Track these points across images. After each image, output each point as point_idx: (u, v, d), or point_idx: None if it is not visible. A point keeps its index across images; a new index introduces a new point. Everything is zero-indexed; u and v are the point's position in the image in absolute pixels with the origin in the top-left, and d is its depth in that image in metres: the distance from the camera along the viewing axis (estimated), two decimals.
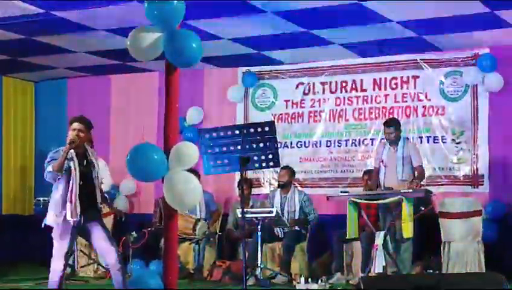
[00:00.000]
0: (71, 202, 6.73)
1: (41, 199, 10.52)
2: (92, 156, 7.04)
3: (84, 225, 6.88)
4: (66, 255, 6.94)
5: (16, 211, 12.64)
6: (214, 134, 6.32)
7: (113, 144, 12.39)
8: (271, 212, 9.63)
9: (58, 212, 6.80)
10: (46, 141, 12.92)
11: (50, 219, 6.90)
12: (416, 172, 9.31)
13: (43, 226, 6.94)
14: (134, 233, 10.30)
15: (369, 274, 8.49)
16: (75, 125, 6.98)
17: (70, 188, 6.75)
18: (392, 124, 9.50)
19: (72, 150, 6.81)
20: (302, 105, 11.59)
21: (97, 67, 12.11)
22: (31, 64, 11.89)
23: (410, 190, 8.74)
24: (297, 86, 11.64)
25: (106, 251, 6.91)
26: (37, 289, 9.36)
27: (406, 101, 10.95)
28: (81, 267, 10.80)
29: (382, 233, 8.73)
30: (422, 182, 9.42)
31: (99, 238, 6.91)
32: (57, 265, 6.82)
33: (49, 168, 6.76)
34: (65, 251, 6.86)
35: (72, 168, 6.77)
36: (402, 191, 8.72)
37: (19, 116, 13.01)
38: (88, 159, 6.99)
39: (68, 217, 6.73)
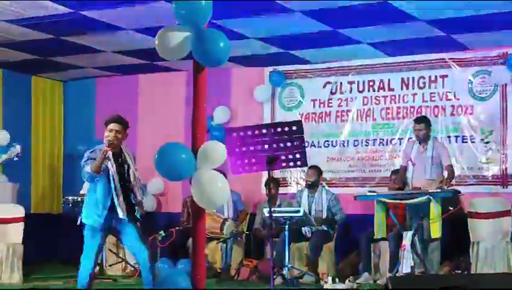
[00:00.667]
0: (118, 200, 6.79)
1: (70, 197, 10.59)
2: (127, 156, 7.06)
3: (116, 224, 6.91)
4: (97, 253, 6.99)
5: (44, 210, 12.76)
6: (241, 133, 6.31)
7: (141, 143, 12.43)
8: (298, 211, 9.63)
9: (100, 212, 6.83)
10: (74, 140, 13.07)
11: (90, 219, 6.92)
12: (446, 172, 9.25)
13: (78, 223, 6.97)
14: (162, 232, 10.33)
15: (397, 274, 8.46)
16: (112, 126, 6.93)
17: (113, 187, 6.80)
18: (423, 121, 9.46)
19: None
20: (330, 104, 11.57)
21: (125, 67, 12.18)
22: (59, 64, 11.99)
23: (439, 190, 8.70)
24: (324, 85, 11.61)
25: (137, 250, 6.94)
26: (66, 287, 9.42)
27: (434, 101, 10.90)
28: (110, 265, 10.88)
29: (410, 233, 8.69)
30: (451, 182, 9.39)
31: (131, 236, 6.94)
32: (87, 263, 6.87)
33: (87, 169, 6.77)
34: (96, 249, 6.91)
35: (110, 167, 6.80)
36: (430, 191, 8.68)
37: (47, 116, 13.12)
38: (122, 158, 7.01)
39: (120, 215, 6.80)
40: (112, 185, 6.82)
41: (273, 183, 10.03)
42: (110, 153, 6.83)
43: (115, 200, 6.81)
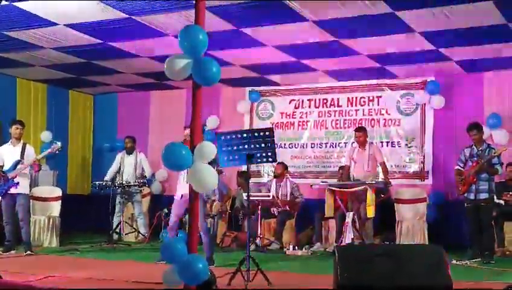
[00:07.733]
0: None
1: (96, 182, 10.50)
2: None
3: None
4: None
5: (77, 191, 12.66)
6: (228, 136, 6.29)
7: (151, 142, 12.38)
8: (268, 196, 9.64)
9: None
10: (101, 139, 13.00)
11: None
12: (381, 167, 9.34)
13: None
14: (165, 209, 10.27)
15: (341, 244, 8.49)
16: (188, 131, 7.30)
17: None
18: (361, 130, 9.52)
19: None
20: (293, 116, 11.58)
21: (140, 85, 12.11)
22: (90, 82, 11.90)
23: (373, 182, 8.76)
24: (290, 102, 11.63)
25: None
26: (93, 250, 9.35)
27: (371, 115, 10.95)
28: (126, 234, 10.80)
29: (351, 213, 8.73)
30: (381, 176, 9.45)
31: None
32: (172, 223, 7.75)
33: None
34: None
35: None
36: (367, 182, 8.73)
37: (81, 121, 13.04)
38: None
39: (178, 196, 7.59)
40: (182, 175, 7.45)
41: (246, 175, 10.06)
42: None
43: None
